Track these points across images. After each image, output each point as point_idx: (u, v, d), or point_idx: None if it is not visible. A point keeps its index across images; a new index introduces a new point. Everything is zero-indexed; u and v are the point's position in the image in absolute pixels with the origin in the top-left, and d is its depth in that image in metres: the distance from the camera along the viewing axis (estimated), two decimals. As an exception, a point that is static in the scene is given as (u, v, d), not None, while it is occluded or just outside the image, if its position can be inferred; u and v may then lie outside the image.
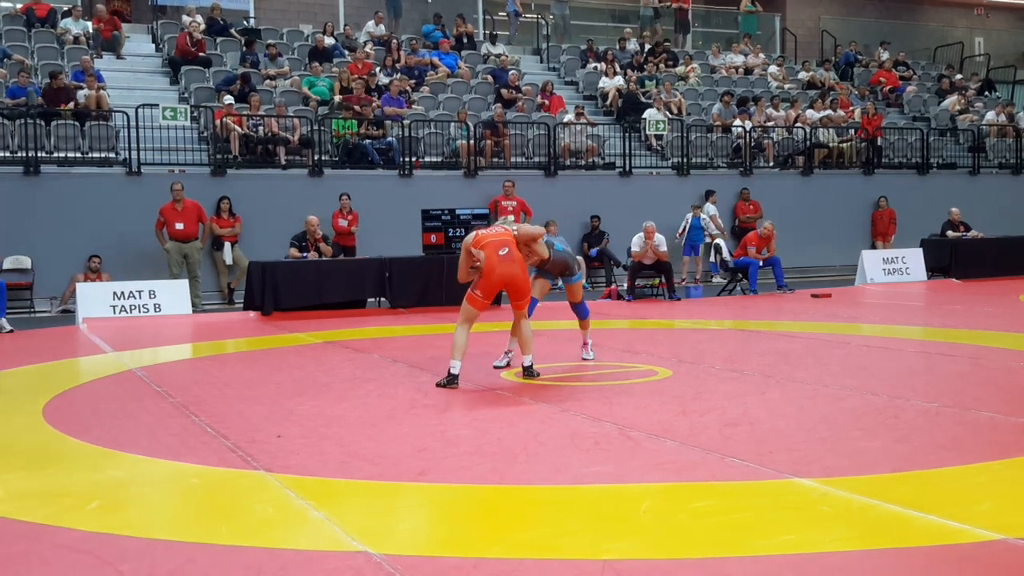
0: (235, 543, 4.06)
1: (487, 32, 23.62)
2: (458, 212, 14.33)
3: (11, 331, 11.83)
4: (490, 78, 20.41)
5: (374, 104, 17.68)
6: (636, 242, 14.59)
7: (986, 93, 25.67)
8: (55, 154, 15.24)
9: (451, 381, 7.53)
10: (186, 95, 17.63)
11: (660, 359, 8.87)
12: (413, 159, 17.15)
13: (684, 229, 17.31)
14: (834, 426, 6.02)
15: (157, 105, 15.59)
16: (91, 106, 15.72)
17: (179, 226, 14.40)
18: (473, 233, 7.93)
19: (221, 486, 5.01)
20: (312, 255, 13.95)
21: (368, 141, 16.93)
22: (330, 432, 6.13)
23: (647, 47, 23.69)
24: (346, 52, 19.96)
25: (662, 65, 22.96)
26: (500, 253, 7.63)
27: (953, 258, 17.65)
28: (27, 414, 6.90)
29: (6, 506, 4.65)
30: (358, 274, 13.95)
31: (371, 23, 21.46)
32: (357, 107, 17.24)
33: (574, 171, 18.56)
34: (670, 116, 19.83)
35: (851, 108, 22.45)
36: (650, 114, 19.42)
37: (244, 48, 19.24)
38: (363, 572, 3.69)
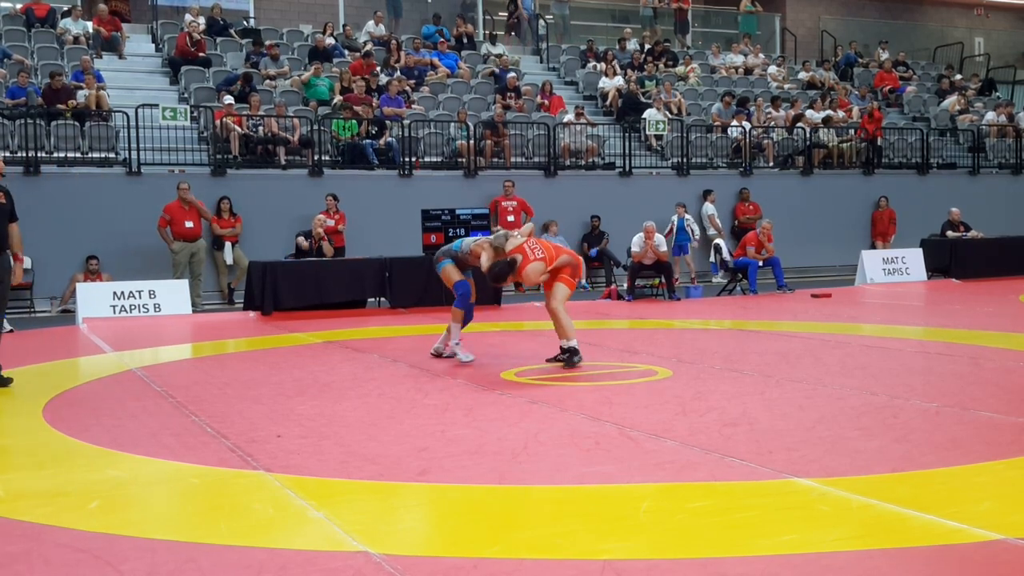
0: (235, 543, 4.06)
1: (487, 32, 23.63)
2: (458, 212, 14.32)
3: (11, 331, 11.82)
4: (492, 77, 20.43)
5: (374, 104, 17.68)
6: (636, 242, 14.59)
7: (986, 93, 25.68)
8: (55, 154, 15.24)
9: (576, 354, 8.31)
10: (186, 95, 17.64)
11: (660, 359, 8.87)
12: (413, 159, 17.16)
13: (671, 231, 17.33)
14: (833, 426, 6.02)
15: (157, 105, 15.59)
16: (91, 106, 15.72)
17: (188, 224, 14.45)
18: (517, 253, 8.32)
19: (221, 486, 5.01)
20: (325, 245, 14.03)
21: (368, 141, 16.93)
22: (330, 432, 6.13)
23: (647, 47, 23.71)
24: (346, 52, 19.97)
25: (662, 65, 22.96)
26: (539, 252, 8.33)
27: (953, 258, 17.65)
28: (27, 414, 6.90)
29: (6, 506, 4.65)
30: (358, 274, 13.95)
31: (371, 23, 21.47)
32: (358, 108, 17.24)
33: (574, 171, 18.56)
34: (670, 116, 19.84)
35: (850, 108, 22.46)
36: (650, 114, 19.43)
37: (251, 47, 19.22)
38: (363, 572, 3.69)
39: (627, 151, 18.73)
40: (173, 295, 13.43)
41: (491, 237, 8.71)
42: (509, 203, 16.77)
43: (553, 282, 8.42)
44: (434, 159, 17.71)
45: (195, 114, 16.65)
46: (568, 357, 8.36)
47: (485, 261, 8.39)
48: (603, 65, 21.72)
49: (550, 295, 8.41)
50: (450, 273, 8.90)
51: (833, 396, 6.98)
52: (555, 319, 8.37)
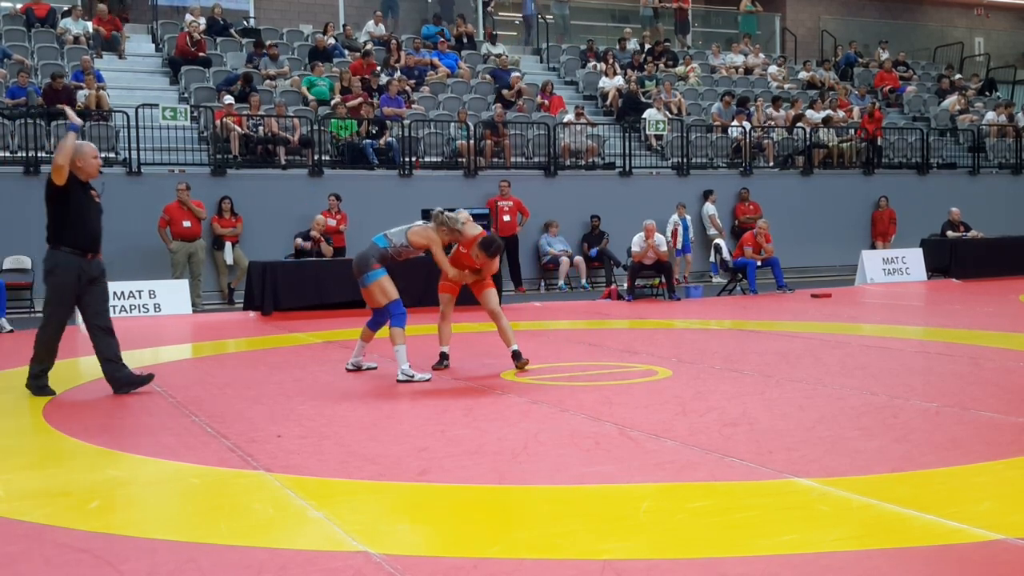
0: (235, 543, 4.06)
1: (487, 32, 23.62)
2: (458, 212, 14.30)
3: (11, 331, 11.84)
4: (489, 77, 20.45)
5: (374, 103, 17.67)
6: (636, 242, 14.59)
7: (986, 93, 25.68)
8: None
9: (522, 356, 8.27)
10: (186, 95, 17.64)
11: (660, 359, 8.87)
12: (413, 159, 17.16)
13: (676, 231, 17.31)
14: (833, 426, 6.02)
15: (157, 105, 15.60)
16: (91, 106, 15.71)
17: (186, 224, 14.48)
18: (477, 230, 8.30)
19: (221, 486, 5.01)
20: (324, 248, 14.00)
21: (368, 141, 16.94)
22: (330, 432, 6.13)
23: (647, 47, 23.71)
24: (346, 52, 19.98)
25: (662, 65, 22.96)
26: None
27: (953, 258, 17.66)
28: (27, 414, 6.90)
29: (6, 506, 4.65)
30: (358, 274, 13.93)
31: (371, 23, 21.48)
32: (352, 103, 17.22)
33: (574, 171, 18.56)
34: (670, 116, 19.84)
35: (850, 108, 22.45)
36: (650, 114, 19.43)
37: (251, 48, 19.23)
38: (363, 572, 3.69)
39: (627, 151, 18.73)
40: (173, 295, 13.44)
41: (439, 220, 8.03)
42: (505, 203, 16.77)
43: (483, 287, 8.40)
44: (434, 159, 17.71)
45: (195, 114, 16.65)
46: (520, 358, 8.27)
47: (448, 238, 8.12)
48: (603, 65, 21.71)
49: (487, 298, 8.37)
50: (387, 288, 7.99)
51: (833, 396, 6.98)
52: (499, 322, 8.31)
